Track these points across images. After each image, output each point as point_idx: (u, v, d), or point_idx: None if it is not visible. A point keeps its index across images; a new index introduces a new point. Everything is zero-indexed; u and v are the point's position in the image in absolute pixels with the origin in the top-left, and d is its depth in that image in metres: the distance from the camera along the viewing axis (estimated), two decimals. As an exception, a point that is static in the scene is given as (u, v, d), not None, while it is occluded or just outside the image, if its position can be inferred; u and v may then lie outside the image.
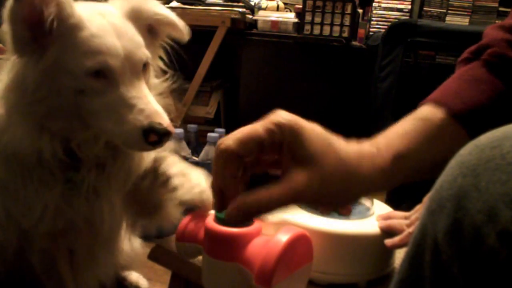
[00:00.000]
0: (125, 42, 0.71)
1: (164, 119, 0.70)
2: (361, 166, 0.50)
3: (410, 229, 0.68)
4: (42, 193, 0.77)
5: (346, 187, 0.50)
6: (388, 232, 0.72)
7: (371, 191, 0.52)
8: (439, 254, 0.41)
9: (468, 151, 0.41)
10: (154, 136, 0.69)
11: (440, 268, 0.41)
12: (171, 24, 0.80)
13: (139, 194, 0.88)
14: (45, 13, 0.65)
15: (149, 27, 0.80)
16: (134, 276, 1.30)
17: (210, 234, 0.65)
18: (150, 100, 0.71)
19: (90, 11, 0.72)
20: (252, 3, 2.42)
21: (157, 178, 0.84)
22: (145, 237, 1.14)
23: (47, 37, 0.68)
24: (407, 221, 0.71)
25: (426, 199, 0.62)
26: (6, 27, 0.67)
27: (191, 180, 0.76)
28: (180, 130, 1.56)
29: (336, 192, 0.49)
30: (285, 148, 0.48)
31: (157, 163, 0.87)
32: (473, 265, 0.38)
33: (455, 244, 0.39)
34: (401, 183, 0.52)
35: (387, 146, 0.53)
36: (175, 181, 0.78)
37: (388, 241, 0.70)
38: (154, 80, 0.83)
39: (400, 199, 1.02)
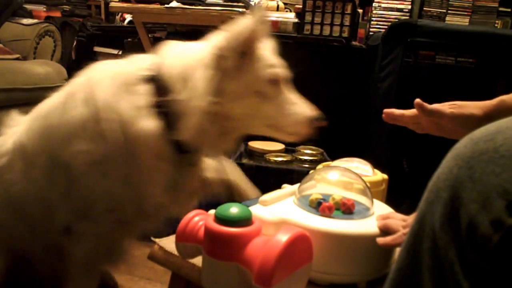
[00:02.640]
0: (283, 63, 0.98)
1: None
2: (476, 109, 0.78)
3: (405, 231, 0.68)
4: (158, 179, 0.94)
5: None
6: (385, 231, 0.72)
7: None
8: (436, 241, 0.43)
9: (463, 144, 0.44)
10: (319, 122, 0.94)
11: (438, 255, 0.43)
12: None
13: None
14: (260, 38, 0.92)
15: None
16: None
17: (210, 234, 0.65)
18: (304, 100, 0.97)
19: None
20: (252, 3, 2.42)
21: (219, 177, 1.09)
22: (145, 238, 1.14)
23: (246, 54, 0.91)
24: (404, 223, 0.71)
25: None
26: (230, 40, 0.89)
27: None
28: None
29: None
30: None
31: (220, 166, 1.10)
32: (468, 251, 0.40)
33: (451, 231, 0.41)
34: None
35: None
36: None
37: (380, 239, 0.70)
38: None
39: (400, 199, 1.02)
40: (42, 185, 0.95)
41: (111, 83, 0.92)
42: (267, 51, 0.96)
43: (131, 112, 0.89)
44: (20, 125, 1.04)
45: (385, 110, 0.90)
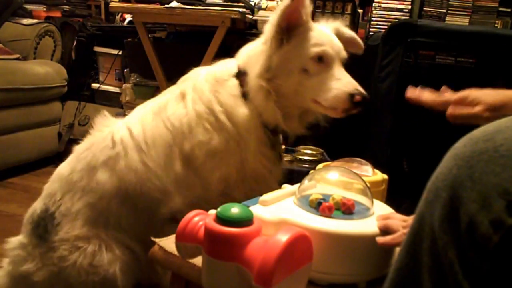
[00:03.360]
0: (336, 44, 1.05)
1: (363, 91, 0.99)
2: None
3: (404, 230, 0.68)
4: (258, 156, 1.05)
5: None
6: (385, 231, 0.72)
7: None
8: (436, 241, 0.43)
9: (462, 143, 0.44)
10: (359, 97, 0.97)
11: (437, 254, 0.43)
12: (356, 42, 1.16)
13: None
14: (302, 15, 0.99)
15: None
16: None
17: (210, 234, 0.65)
18: (351, 78, 1.02)
19: (315, 24, 1.07)
20: (252, 3, 2.42)
21: None
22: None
23: (291, 32, 1.00)
24: (404, 223, 0.71)
25: None
26: (272, 17, 1.00)
27: None
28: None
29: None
30: None
31: None
32: (467, 251, 0.40)
33: (451, 231, 0.41)
34: None
35: None
36: None
37: (380, 239, 0.70)
38: None
39: (400, 199, 1.02)
40: (158, 173, 1.03)
41: (211, 83, 1.07)
42: (320, 31, 1.05)
43: (229, 101, 1.03)
44: (122, 120, 1.12)
45: (411, 93, 0.89)
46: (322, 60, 1.01)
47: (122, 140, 1.06)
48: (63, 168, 1.10)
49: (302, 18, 1.00)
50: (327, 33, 1.06)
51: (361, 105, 0.98)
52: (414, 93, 0.90)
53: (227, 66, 1.11)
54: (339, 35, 1.11)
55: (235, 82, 1.06)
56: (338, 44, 1.06)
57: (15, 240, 1.08)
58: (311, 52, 1.00)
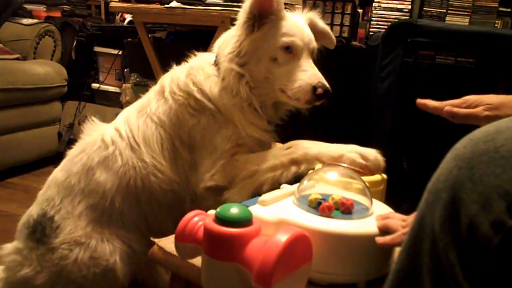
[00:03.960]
0: (306, 35, 1.07)
1: (327, 84, 1.02)
2: None
3: (404, 230, 0.68)
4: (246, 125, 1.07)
5: None
6: (385, 231, 0.72)
7: None
8: (437, 242, 0.42)
9: (463, 144, 0.43)
10: (321, 90, 1.00)
11: (438, 256, 0.42)
12: (328, 35, 1.20)
13: None
14: (274, 3, 1.02)
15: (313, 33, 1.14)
16: None
17: (210, 234, 0.65)
18: (317, 71, 1.04)
19: (289, 14, 1.10)
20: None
21: None
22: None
23: (263, 20, 1.03)
24: (403, 223, 0.71)
25: None
26: (245, 4, 1.03)
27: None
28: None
29: None
30: None
31: None
32: (468, 252, 0.40)
33: (452, 232, 0.41)
34: None
35: None
36: None
37: (379, 239, 0.70)
38: None
39: (400, 199, 1.02)
40: (159, 167, 1.06)
41: (188, 71, 1.11)
42: (292, 21, 1.06)
43: (203, 81, 1.07)
44: (109, 124, 1.15)
45: (419, 101, 0.90)
46: (291, 50, 1.03)
47: (113, 140, 1.08)
48: (58, 173, 1.11)
49: (273, 7, 1.02)
50: (298, 24, 1.08)
51: (323, 97, 1.01)
52: (421, 102, 0.91)
53: (203, 57, 1.15)
54: (312, 26, 1.13)
55: (213, 67, 1.10)
56: (309, 36, 1.08)
57: (9, 246, 1.08)
58: (280, 41, 1.02)
